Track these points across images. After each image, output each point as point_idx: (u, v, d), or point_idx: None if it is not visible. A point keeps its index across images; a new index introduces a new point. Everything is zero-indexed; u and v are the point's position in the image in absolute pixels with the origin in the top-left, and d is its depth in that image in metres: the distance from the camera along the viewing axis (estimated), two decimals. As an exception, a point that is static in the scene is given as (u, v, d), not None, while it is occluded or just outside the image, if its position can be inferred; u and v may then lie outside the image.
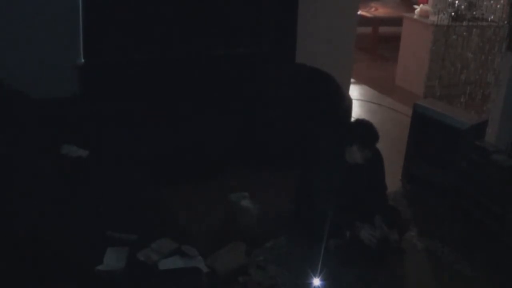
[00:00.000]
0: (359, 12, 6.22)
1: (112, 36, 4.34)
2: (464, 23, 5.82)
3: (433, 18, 6.13)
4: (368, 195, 3.48)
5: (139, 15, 4.40)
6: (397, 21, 7.15)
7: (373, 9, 8.08)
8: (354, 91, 6.05)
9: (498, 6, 5.44)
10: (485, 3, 5.61)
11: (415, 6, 6.64)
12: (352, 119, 4.55)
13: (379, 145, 3.58)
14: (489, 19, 5.62)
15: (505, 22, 5.10)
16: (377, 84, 6.58)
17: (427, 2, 6.69)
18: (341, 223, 3.34)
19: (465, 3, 5.79)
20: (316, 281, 3.09)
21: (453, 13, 5.84)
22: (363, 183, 3.46)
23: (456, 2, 5.85)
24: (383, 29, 8.01)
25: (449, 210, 3.97)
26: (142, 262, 2.56)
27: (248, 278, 3.12)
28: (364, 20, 7.59)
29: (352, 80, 5.85)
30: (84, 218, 2.82)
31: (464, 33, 5.87)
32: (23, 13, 3.98)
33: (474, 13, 5.76)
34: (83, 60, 4.27)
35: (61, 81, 4.17)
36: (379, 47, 7.89)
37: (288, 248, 3.42)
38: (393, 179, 4.20)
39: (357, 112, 5.51)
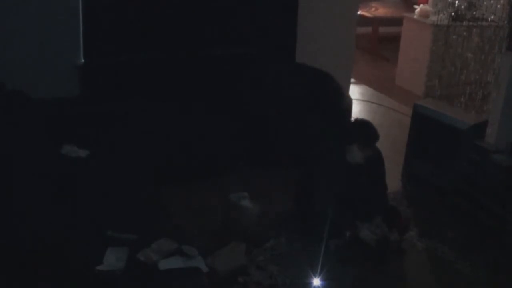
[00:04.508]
0: (359, 12, 6.22)
1: (112, 36, 4.33)
2: (464, 23, 5.82)
3: (433, 18, 6.13)
4: (368, 195, 3.48)
5: (139, 15, 4.39)
6: (397, 21, 7.15)
7: (373, 9, 8.07)
8: (354, 91, 6.05)
9: (498, 6, 5.44)
10: (485, 3, 5.62)
11: (415, 6, 6.63)
12: (352, 119, 4.55)
13: (379, 145, 3.58)
14: (489, 19, 5.62)
15: (505, 22, 5.10)
16: (377, 84, 6.58)
17: (427, 2, 6.69)
18: (341, 223, 3.34)
19: (465, 3, 5.79)
20: (316, 281, 3.09)
21: (453, 13, 5.84)
22: (364, 183, 3.46)
23: (456, 2, 5.85)
24: (383, 29, 8.01)
25: (449, 210, 3.97)
26: (142, 262, 2.56)
27: (248, 278, 3.12)
28: (364, 20, 7.59)
29: (352, 80, 5.85)
30: (84, 218, 2.82)
31: (464, 33, 5.87)
32: (23, 13, 3.98)
33: (474, 13, 5.77)
34: (83, 60, 4.27)
35: (61, 81, 4.17)
36: (379, 47, 7.89)
37: (288, 248, 3.42)
38: (393, 179, 4.20)
39: (357, 112, 5.51)
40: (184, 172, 3.90)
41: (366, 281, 3.22)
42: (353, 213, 3.38)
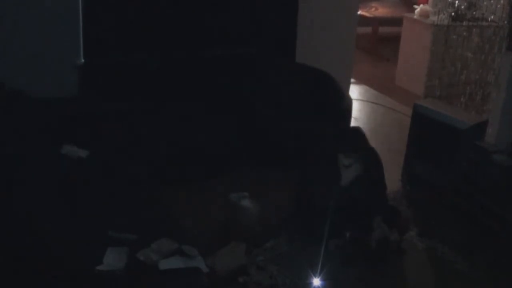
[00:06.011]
0: (359, 12, 6.22)
1: (112, 36, 4.34)
2: (464, 23, 5.82)
3: (433, 18, 6.13)
4: (368, 195, 3.48)
5: (139, 15, 4.40)
6: (397, 21, 7.16)
7: (373, 9, 8.08)
8: (354, 91, 6.05)
9: (498, 6, 5.44)
10: (485, 3, 5.61)
11: (415, 6, 6.64)
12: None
13: (379, 145, 3.58)
14: (489, 19, 5.62)
15: (505, 22, 5.11)
16: (377, 84, 6.58)
17: (427, 2, 6.69)
18: (341, 223, 3.34)
19: (465, 3, 5.79)
20: (316, 281, 3.09)
21: (453, 13, 5.84)
22: (362, 184, 3.46)
23: (456, 2, 5.85)
24: (383, 29, 8.02)
25: (449, 210, 3.97)
26: (142, 262, 2.56)
27: (248, 278, 3.12)
28: (364, 20, 7.59)
29: (352, 80, 5.85)
30: (84, 218, 2.82)
31: (464, 33, 5.87)
32: (23, 13, 3.98)
33: (474, 13, 5.76)
34: (83, 60, 4.27)
35: (61, 81, 4.18)
36: (379, 47, 7.89)
37: (288, 248, 3.42)
38: (393, 179, 4.20)
39: (357, 112, 5.51)
40: (184, 172, 3.90)
41: (366, 281, 3.22)
42: (352, 213, 3.38)
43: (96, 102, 4.13)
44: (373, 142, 3.84)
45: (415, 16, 6.46)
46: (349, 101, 4.77)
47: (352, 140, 3.49)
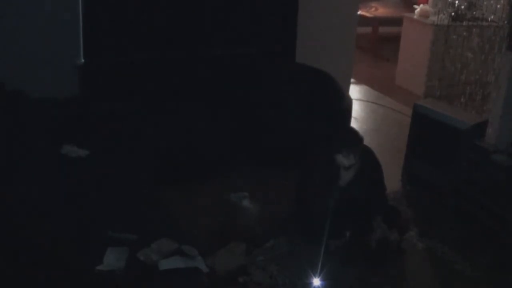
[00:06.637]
0: (359, 12, 6.22)
1: (112, 36, 4.34)
2: (464, 23, 5.83)
3: (433, 18, 6.13)
4: (367, 195, 3.48)
5: (139, 15, 4.40)
6: (397, 21, 7.16)
7: (373, 9, 8.08)
8: (354, 91, 6.05)
9: (498, 6, 5.44)
10: (485, 3, 5.62)
11: (415, 6, 6.64)
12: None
13: (380, 145, 3.58)
14: (489, 19, 5.62)
15: (505, 22, 5.11)
16: (377, 84, 6.58)
17: (427, 2, 6.69)
18: (341, 223, 3.34)
19: (465, 3, 5.80)
20: (316, 281, 3.09)
21: (453, 13, 5.84)
22: (361, 184, 3.46)
23: (456, 2, 5.85)
24: (383, 29, 8.02)
25: (449, 210, 3.97)
26: (142, 262, 2.56)
27: (248, 278, 3.12)
28: (364, 20, 7.60)
29: (352, 80, 5.85)
30: (84, 218, 2.82)
31: (464, 33, 5.87)
32: (23, 13, 3.98)
33: (474, 13, 5.77)
34: (83, 60, 4.27)
35: (61, 81, 4.18)
36: (379, 47, 7.90)
37: (288, 248, 3.43)
38: (393, 179, 4.20)
39: (357, 112, 5.51)
40: (184, 172, 3.90)
41: (366, 281, 3.22)
42: (352, 213, 3.37)
43: (96, 102, 4.14)
44: (373, 142, 3.85)
45: (415, 16, 6.46)
46: (349, 101, 4.78)
47: (348, 140, 3.48)
